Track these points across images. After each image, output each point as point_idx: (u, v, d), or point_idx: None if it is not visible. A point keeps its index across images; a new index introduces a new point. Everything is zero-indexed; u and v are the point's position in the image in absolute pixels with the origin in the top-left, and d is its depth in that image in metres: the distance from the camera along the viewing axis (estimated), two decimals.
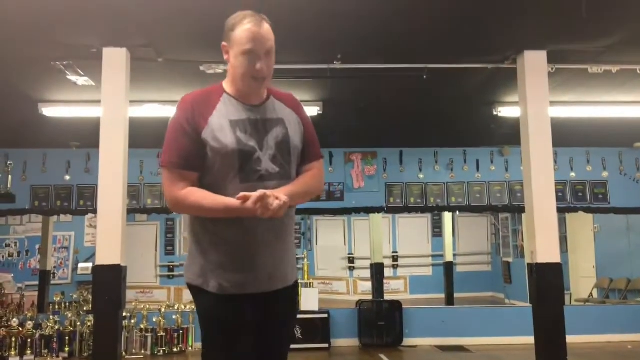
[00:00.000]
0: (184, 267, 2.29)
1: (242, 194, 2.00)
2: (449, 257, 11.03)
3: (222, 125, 2.12)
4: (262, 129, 2.18)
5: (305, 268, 8.90)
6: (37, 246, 10.95)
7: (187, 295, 12.37)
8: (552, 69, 5.24)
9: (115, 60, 4.88)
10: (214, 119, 2.13)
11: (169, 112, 6.36)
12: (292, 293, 2.35)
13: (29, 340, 7.31)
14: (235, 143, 2.10)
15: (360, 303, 8.43)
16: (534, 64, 5.11)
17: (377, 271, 9.36)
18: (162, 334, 7.70)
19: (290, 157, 2.22)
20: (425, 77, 5.36)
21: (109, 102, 4.89)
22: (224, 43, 2.20)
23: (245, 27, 2.12)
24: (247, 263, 2.15)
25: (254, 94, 2.22)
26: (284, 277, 2.25)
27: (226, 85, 2.26)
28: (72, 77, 5.40)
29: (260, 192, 1.99)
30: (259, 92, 2.23)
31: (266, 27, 2.19)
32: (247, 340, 2.18)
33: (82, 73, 5.32)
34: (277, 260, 2.20)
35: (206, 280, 2.16)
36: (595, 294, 10.65)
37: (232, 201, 2.03)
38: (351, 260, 14.40)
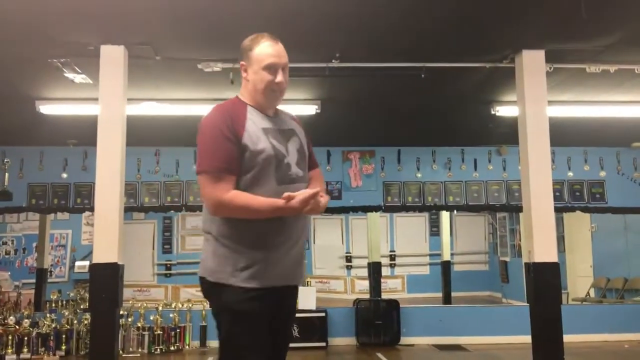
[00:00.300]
0: (206, 269, 2.32)
1: (287, 193, 2.16)
2: (446, 256, 11.05)
3: (257, 132, 2.29)
4: (284, 137, 2.38)
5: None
6: (34, 244, 10.95)
7: (184, 293, 12.38)
8: (550, 68, 5.24)
9: (113, 57, 4.87)
10: (249, 126, 2.28)
11: (166, 110, 6.39)
12: (297, 290, 2.51)
13: (26, 338, 7.29)
14: (271, 148, 2.28)
15: (357, 302, 8.43)
16: (532, 63, 5.11)
17: (374, 270, 9.36)
18: (159, 332, 7.69)
19: (305, 163, 2.44)
20: (423, 76, 5.35)
21: (107, 100, 4.88)
22: (242, 62, 2.39)
23: (265, 44, 2.33)
24: (282, 260, 2.30)
25: (271, 107, 2.41)
26: (302, 273, 2.45)
27: (243, 99, 2.40)
28: (70, 75, 5.39)
29: (313, 189, 2.18)
30: (275, 105, 2.43)
31: (281, 46, 2.38)
32: (267, 333, 2.29)
33: (79, 71, 5.31)
34: (300, 257, 2.41)
35: (240, 278, 2.24)
36: (592, 294, 10.67)
37: (278, 201, 2.18)
38: (349, 259, 14.41)
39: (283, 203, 2.16)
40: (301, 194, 2.16)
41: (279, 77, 2.32)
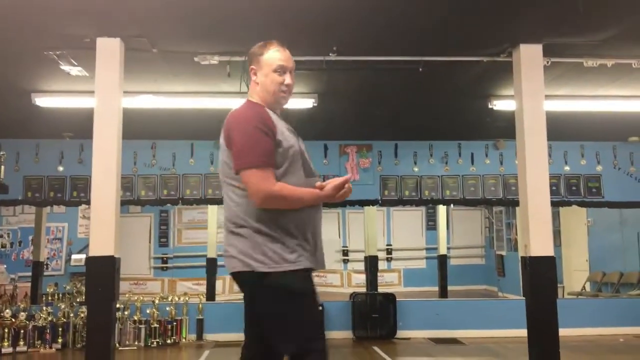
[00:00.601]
0: (249, 261, 2.37)
1: (319, 183, 2.44)
2: (442, 250, 11.05)
3: (284, 130, 2.48)
4: (296, 136, 2.58)
5: None
6: (30, 237, 10.92)
7: (180, 287, 12.39)
8: (548, 62, 5.22)
9: (109, 50, 4.84)
10: (276, 124, 2.46)
11: (163, 103, 6.37)
12: None
13: (22, 331, 7.30)
14: (297, 144, 2.49)
15: (354, 295, 8.45)
16: (530, 57, 5.10)
17: (371, 264, 9.36)
18: (155, 325, 7.70)
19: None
20: (421, 69, 5.34)
21: (103, 92, 4.86)
22: (252, 66, 2.59)
23: (274, 50, 2.56)
24: (317, 245, 2.50)
25: (279, 107, 2.61)
26: (324, 259, 2.61)
27: (255, 102, 2.56)
28: (66, 67, 5.36)
29: (343, 177, 2.44)
30: (283, 105, 2.62)
31: (288, 52, 2.61)
32: None
33: (75, 63, 5.28)
34: (322, 244, 2.58)
35: (292, 262, 2.38)
36: (588, 288, 10.70)
37: (315, 190, 2.43)
38: (345, 252, 14.43)
39: (319, 191, 2.41)
40: (333, 182, 2.42)
41: (288, 79, 2.55)
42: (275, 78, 2.53)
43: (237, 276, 2.44)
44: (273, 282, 2.35)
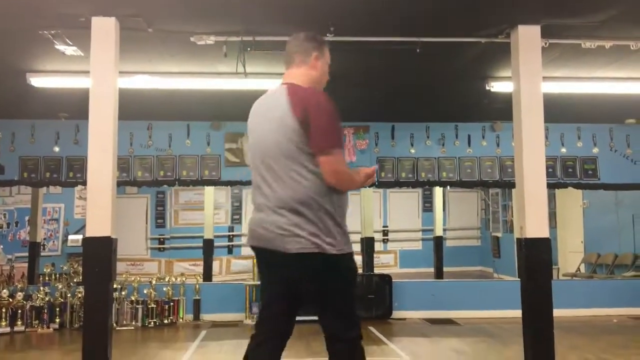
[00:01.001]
0: (323, 244, 2.46)
1: (355, 169, 2.66)
2: (438, 232, 11.09)
3: None
4: None
5: None
6: (27, 218, 10.93)
7: (177, 267, 12.43)
8: (546, 43, 5.20)
9: (104, 29, 4.79)
10: None
11: (159, 83, 6.32)
12: None
13: (20, 311, 7.34)
14: None
15: None
16: (528, 38, 5.07)
17: (367, 245, 9.41)
18: (152, 305, 7.74)
19: None
20: (418, 50, 5.31)
21: (98, 72, 4.81)
22: (316, 53, 2.92)
23: (328, 48, 2.93)
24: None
25: None
26: None
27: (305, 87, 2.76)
28: (60, 47, 5.31)
29: (374, 167, 2.80)
30: None
31: None
32: None
33: (70, 43, 5.23)
34: None
35: (349, 245, 2.57)
36: (582, 269, 10.78)
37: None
38: None
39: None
40: (364, 170, 2.67)
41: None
42: (326, 71, 2.95)
43: (298, 257, 2.45)
44: (342, 264, 2.51)
